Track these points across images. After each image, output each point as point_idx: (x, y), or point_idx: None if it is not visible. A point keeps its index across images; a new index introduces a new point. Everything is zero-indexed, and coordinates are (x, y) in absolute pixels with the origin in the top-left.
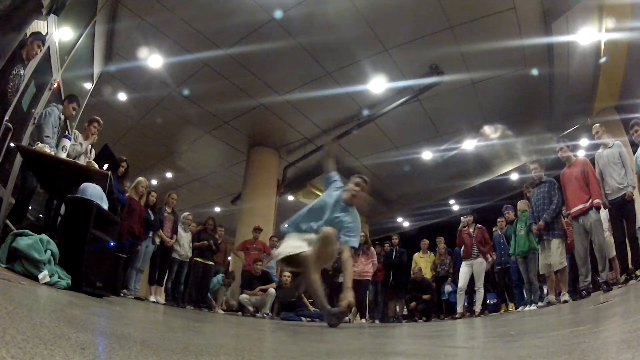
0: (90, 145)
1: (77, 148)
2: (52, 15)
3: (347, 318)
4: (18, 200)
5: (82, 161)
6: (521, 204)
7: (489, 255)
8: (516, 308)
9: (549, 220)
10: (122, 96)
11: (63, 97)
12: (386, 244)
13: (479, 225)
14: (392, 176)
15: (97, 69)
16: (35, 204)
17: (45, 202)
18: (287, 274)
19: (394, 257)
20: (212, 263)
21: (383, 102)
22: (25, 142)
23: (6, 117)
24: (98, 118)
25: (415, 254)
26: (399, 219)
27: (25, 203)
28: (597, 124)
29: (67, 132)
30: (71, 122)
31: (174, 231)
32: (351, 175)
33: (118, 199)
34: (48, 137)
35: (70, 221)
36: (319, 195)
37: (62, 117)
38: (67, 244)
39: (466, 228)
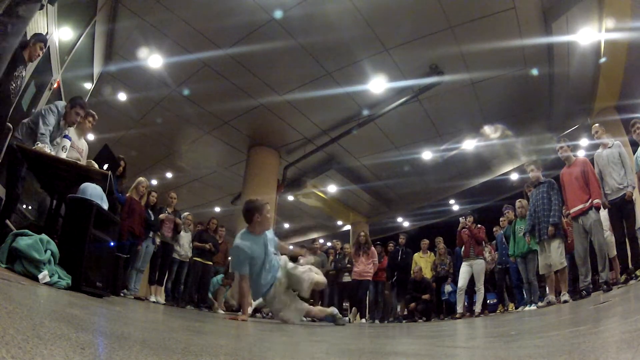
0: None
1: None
2: (49, 7)
3: (346, 318)
4: (8, 194)
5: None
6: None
7: (487, 254)
8: (516, 308)
9: (558, 220)
10: (122, 96)
11: (63, 98)
12: (390, 244)
13: (478, 225)
14: (392, 176)
15: (97, 69)
16: (33, 202)
17: (40, 201)
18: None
19: (399, 258)
20: (212, 263)
21: (383, 102)
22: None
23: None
24: (93, 113)
25: (416, 254)
26: (399, 219)
27: (13, 190)
28: (597, 124)
29: (66, 131)
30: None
31: (175, 231)
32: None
33: (117, 199)
34: (43, 134)
35: (70, 221)
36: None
37: (63, 121)
38: (67, 244)
39: (465, 229)
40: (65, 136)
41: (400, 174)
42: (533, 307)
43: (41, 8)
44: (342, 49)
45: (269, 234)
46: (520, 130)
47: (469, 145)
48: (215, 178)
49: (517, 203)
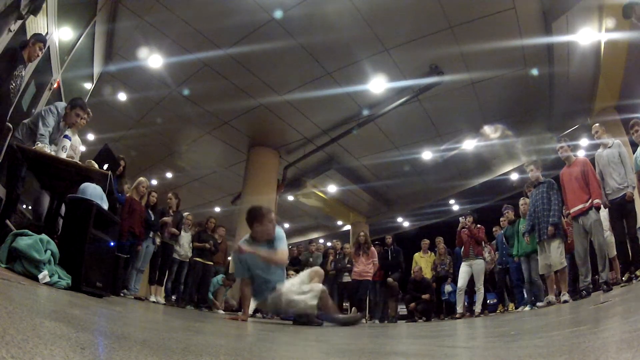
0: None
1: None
2: (49, 8)
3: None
4: (8, 194)
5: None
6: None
7: (486, 254)
8: (516, 308)
9: (558, 220)
10: (122, 96)
11: (63, 98)
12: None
13: (478, 225)
14: (392, 176)
15: (97, 69)
16: (29, 200)
17: (36, 200)
18: (292, 273)
19: (390, 258)
20: (212, 263)
21: (383, 102)
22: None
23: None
24: (88, 110)
25: (416, 254)
26: (399, 219)
27: (13, 190)
28: (597, 124)
29: (66, 132)
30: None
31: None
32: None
33: (117, 199)
34: (43, 135)
35: (70, 221)
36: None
37: (62, 122)
38: (67, 244)
39: (465, 229)
40: (65, 136)
41: (400, 174)
42: (528, 307)
43: (21, 18)
44: (342, 49)
45: (278, 235)
46: (520, 130)
47: (469, 145)
48: (215, 178)
49: (521, 201)
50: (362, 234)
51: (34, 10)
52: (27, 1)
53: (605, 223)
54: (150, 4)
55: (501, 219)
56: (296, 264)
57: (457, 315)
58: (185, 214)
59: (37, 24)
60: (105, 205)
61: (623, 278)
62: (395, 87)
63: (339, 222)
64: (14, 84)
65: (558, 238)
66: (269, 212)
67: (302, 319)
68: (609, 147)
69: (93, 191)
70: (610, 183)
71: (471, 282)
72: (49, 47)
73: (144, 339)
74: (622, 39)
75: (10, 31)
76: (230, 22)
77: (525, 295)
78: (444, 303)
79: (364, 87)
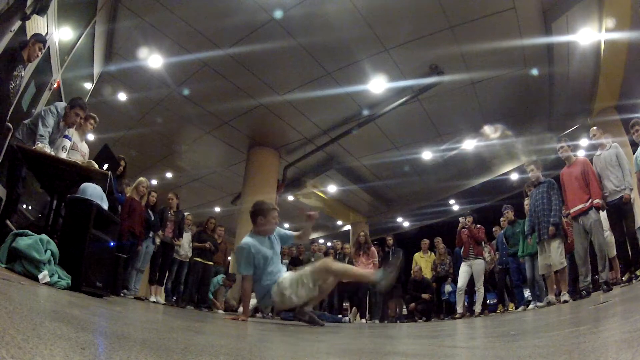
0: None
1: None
2: (36, 15)
3: (347, 318)
4: (9, 194)
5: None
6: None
7: (486, 254)
8: (516, 308)
9: (558, 220)
10: (122, 96)
11: (63, 98)
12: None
13: (478, 225)
14: (392, 176)
15: (97, 69)
16: (33, 202)
17: (40, 201)
18: None
19: (391, 258)
20: (212, 263)
21: (383, 102)
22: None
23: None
24: (95, 115)
25: (416, 254)
26: (399, 219)
27: (13, 190)
28: (594, 127)
29: (67, 132)
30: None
31: (177, 231)
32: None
33: (117, 199)
34: (42, 136)
35: (70, 221)
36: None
37: (62, 122)
38: (67, 244)
39: (465, 229)
40: (65, 136)
41: (400, 174)
42: (533, 306)
43: (25, 18)
44: (342, 49)
45: (277, 233)
46: (520, 130)
47: (469, 145)
48: (215, 178)
49: (526, 200)
50: (362, 234)
51: (41, 10)
52: (32, 1)
53: (605, 223)
54: (150, 4)
55: (501, 219)
56: (297, 264)
57: (457, 315)
58: (186, 213)
59: (37, 24)
60: (105, 205)
61: (623, 278)
62: (395, 87)
63: (339, 222)
64: (14, 84)
65: (558, 238)
66: (272, 209)
67: (304, 317)
68: (607, 149)
69: (93, 191)
70: (607, 185)
71: (471, 282)
72: (49, 47)
73: (144, 339)
74: (622, 39)
75: (11, 31)
76: (230, 22)
77: (526, 295)
78: (444, 303)
79: (364, 87)
